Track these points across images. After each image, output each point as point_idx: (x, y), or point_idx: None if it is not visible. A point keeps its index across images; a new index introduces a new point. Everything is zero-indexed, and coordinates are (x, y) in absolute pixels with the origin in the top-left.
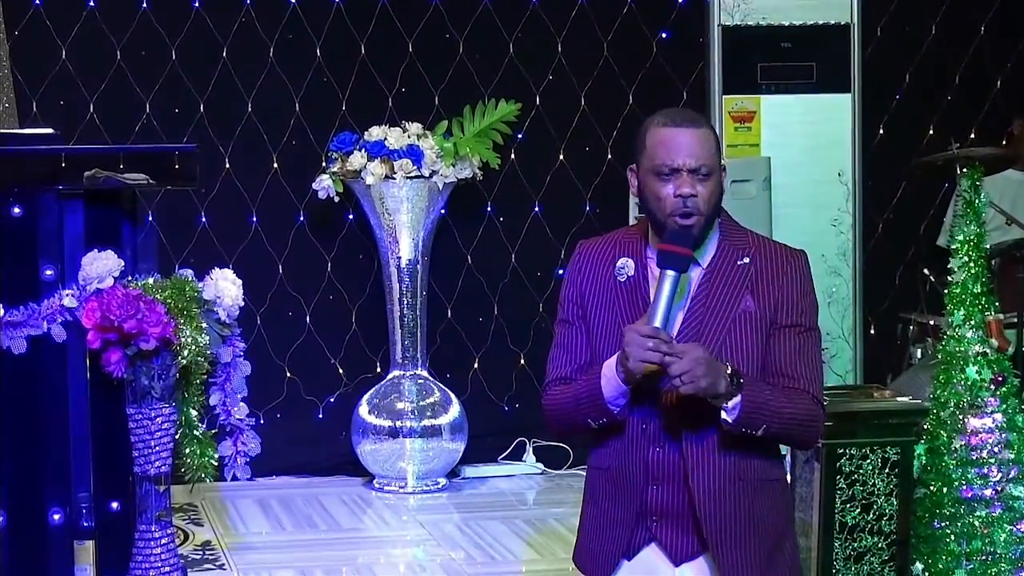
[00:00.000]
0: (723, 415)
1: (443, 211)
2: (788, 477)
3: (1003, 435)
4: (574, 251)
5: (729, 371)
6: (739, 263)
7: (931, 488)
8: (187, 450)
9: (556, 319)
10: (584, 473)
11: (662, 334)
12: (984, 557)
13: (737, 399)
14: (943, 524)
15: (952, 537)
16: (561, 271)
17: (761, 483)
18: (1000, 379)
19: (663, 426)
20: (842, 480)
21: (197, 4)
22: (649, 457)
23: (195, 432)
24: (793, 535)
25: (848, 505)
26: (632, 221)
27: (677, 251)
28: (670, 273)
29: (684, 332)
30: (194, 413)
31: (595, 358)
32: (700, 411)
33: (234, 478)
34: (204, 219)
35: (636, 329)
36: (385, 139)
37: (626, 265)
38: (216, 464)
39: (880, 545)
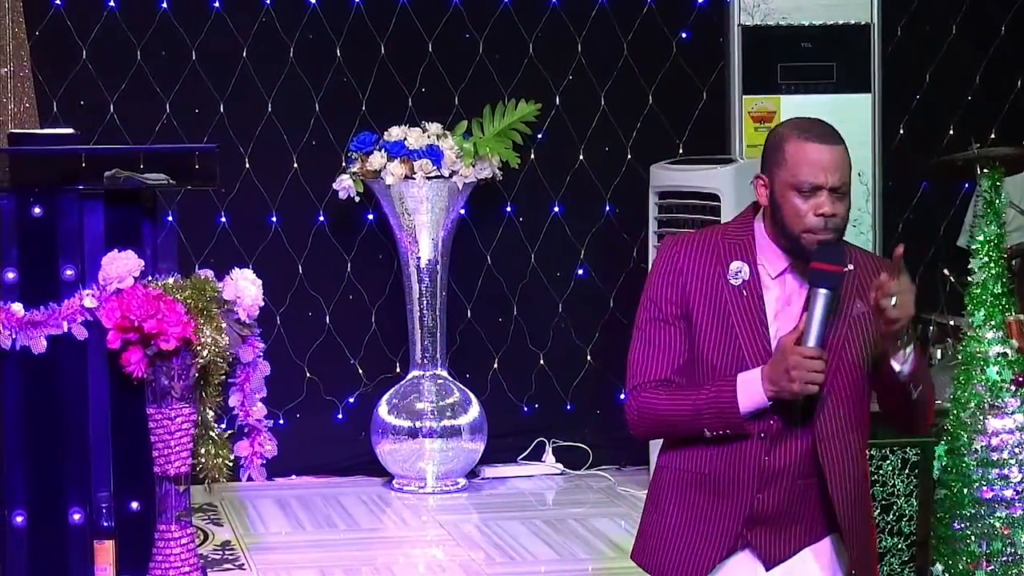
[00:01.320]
0: (896, 365)
1: (463, 211)
2: None
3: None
4: (666, 247)
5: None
6: (845, 270)
7: (951, 489)
8: (202, 450)
9: (646, 316)
10: (651, 473)
11: (824, 354)
12: (1005, 558)
13: (911, 349)
14: (963, 525)
15: (972, 538)
16: (581, 271)
17: (866, 477)
18: (1021, 380)
19: (776, 432)
20: None
21: (217, 4)
22: (761, 464)
23: (211, 432)
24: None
25: None
26: (652, 222)
27: (831, 269)
28: (823, 291)
29: None
30: (211, 413)
31: (696, 360)
32: (827, 416)
33: (249, 479)
34: (224, 219)
35: (801, 351)
36: (405, 139)
37: (741, 269)
38: (231, 465)
39: (900, 546)
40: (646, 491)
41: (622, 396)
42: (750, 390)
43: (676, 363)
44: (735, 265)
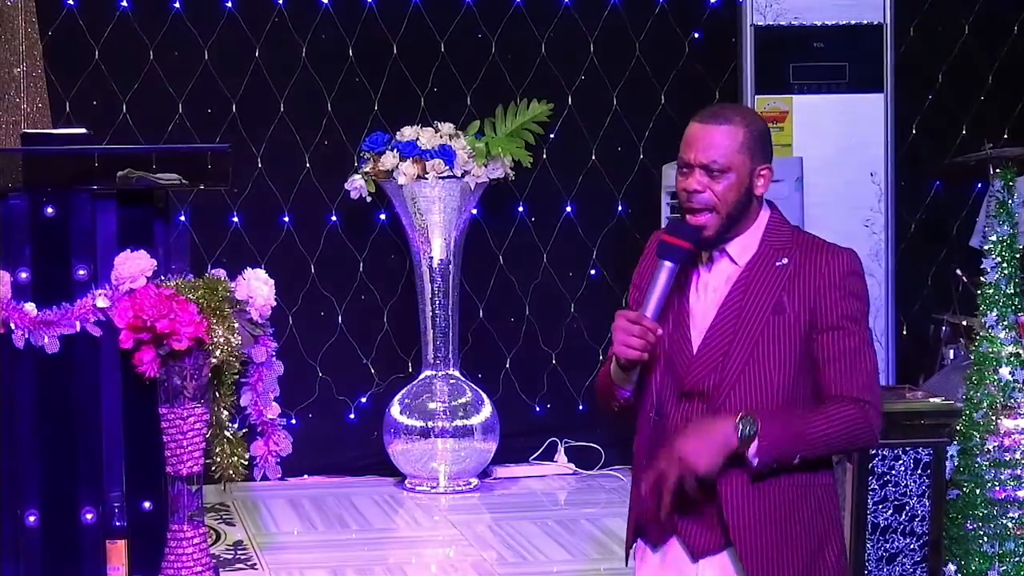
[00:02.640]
0: (750, 458)
1: (475, 211)
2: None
3: None
4: (653, 237)
5: (737, 420)
6: (777, 264)
7: (964, 489)
8: (217, 449)
9: (631, 299)
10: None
11: (646, 320)
12: (1017, 559)
13: (754, 445)
14: (976, 525)
15: (985, 538)
16: (593, 271)
17: (799, 487)
18: None
19: (686, 417)
20: (874, 481)
21: (230, 5)
22: (655, 444)
23: (225, 432)
24: (840, 540)
25: (880, 506)
26: (664, 222)
27: (676, 243)
28: (667, 264)
29: (715, 335)
30: (225, 413)
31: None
32: (723, 409)
33: (264, 478)
34: (236, 219)
35: (624, 314)
36: (417, 139)
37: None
38: (246, 464)
39: (912, 546)
40: None
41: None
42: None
43: None
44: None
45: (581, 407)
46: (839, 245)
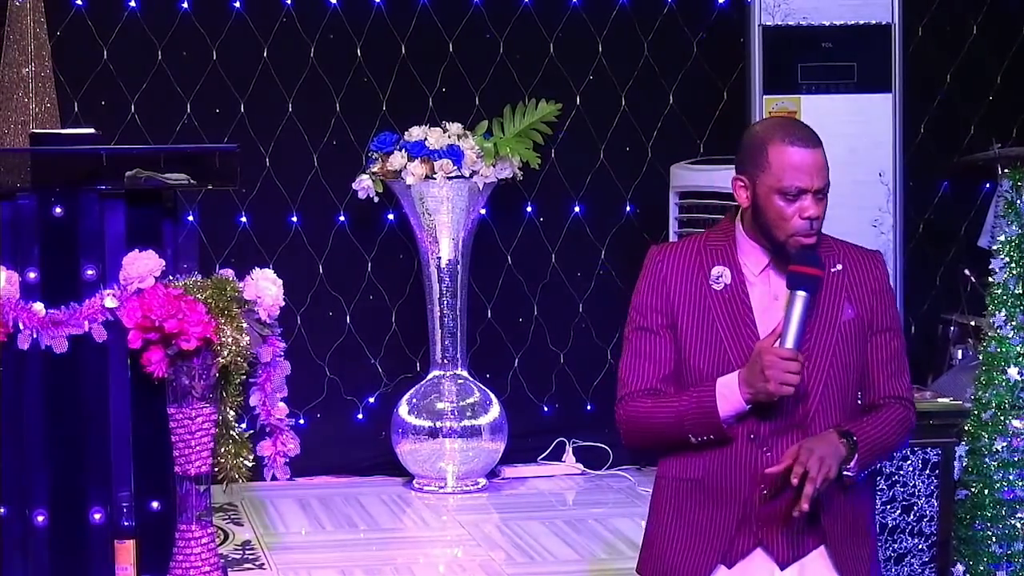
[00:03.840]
0: (846, 474)
1: (483, 211)
2: None
3: None
4: (651, 257)
5: (841, 436)
6: (833, 270)
7: (972, 490)
8: (222, 450)
9: (632, 327)
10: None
11: (800, 356)
12: None
13: (855, 458)
14: (984, 526)
15: (993, 539)
16: (602, 272)
17: (867, 490)
18: None
19: (772, 432)
20: (883, 481)
21: (238, 5)
22: (760, 461)
23: (231, 432)
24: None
25: (889, 506)
26: (672, 223)
27: (809, 272)
28: (801, 294)
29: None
30: (231, 413)
31: (684, 368)
32: (814, 422)
33: (273, 478)
34: (244, 219)
35: (776, 352)
36: (425, 139)
37: (722, 274)
38: (250, 465)
39: (921, 546)
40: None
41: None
42: (728, 394)
43: (663, 372)
44: (716, 270)
45: (589, 407)
46: (864, 247)
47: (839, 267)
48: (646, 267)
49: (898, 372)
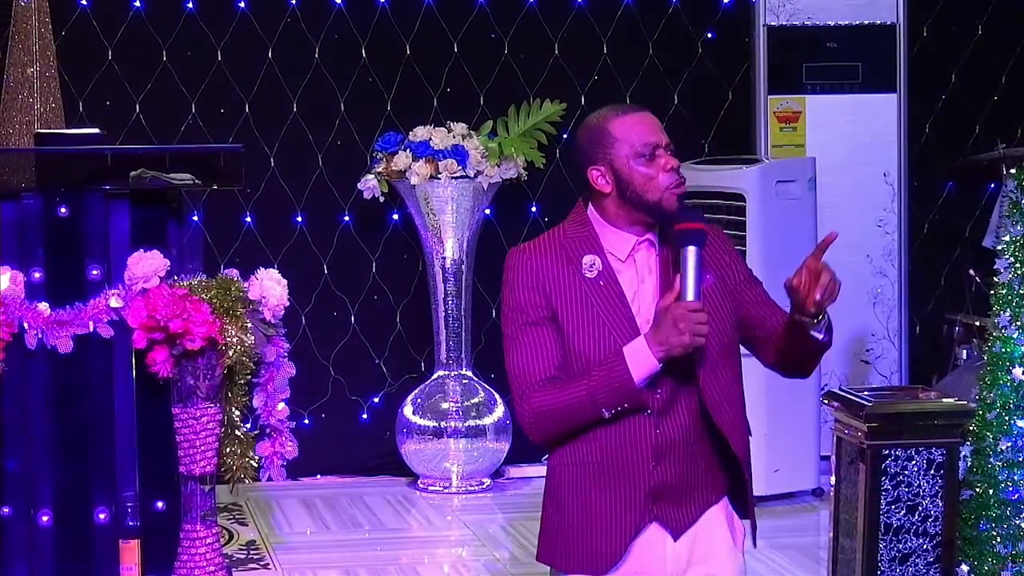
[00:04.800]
0: (816, 335)
1: (488, 211)
2: (832, 478)
3: None
4: (513, 258)
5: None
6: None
7: (977, 490)
8: (227, 449)
9: (515, 326)
10: None
11: (704, 308)
12: None
13: (826, 317)
14: (989, 526)
15: (998, 539)
16: None
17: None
18: None
19: (664, 405)
20: (887, 481)
21: (243, 5)
22: (654, 437)
23: (236, 432)
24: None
25: (893, 506)
26: None
27: (695, 227)
28: (692, 249)
29: None
30: (236, 413)
31: (572, 357)
32: (707, 386)
33: (269, 479)
34: (249, 219)
35: (684, 305)
36: (430, 139)
37: (594, 262)
38: (256, 465)
39: (925, 547)
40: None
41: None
42: (638, 358)
43: (556, 360)
44: (587, 259)
45: None
46: None
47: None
48: (514, 268)
49: (777, 306)
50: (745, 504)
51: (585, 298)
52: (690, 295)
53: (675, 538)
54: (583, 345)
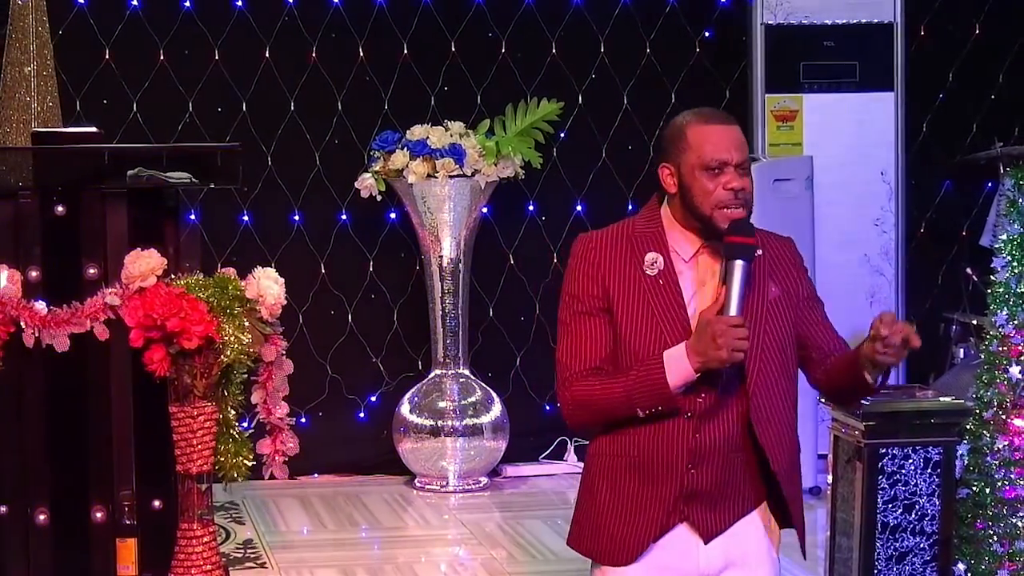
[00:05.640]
0: (870, 379)
1: (485, 210)
2: (829, 477)
3: None
4: (580, 244)
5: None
6: (756, 255)
7: (974, 488)
8: (222, 448)
9: (569, 312)
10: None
11: (745, 323)
12: None
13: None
14: (986, 525)
15: (995, 538)
16: None
17: (799, 449)
18: None
19: (706, 411)
20: (884, 480)
21: (240, 4)
22: (691, 441)
23: (232, 431)
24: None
25: (890, 505)
26: None
27: (744, 242)
28: (739, 263)
29: None
30: (232, 412)
31: (622, 351)
32: (756, 397)
33: (271, 477)
34: (247, 218)
35: (724, 320)
36: (427, 138)
37: (656, 260)
38: (250, 464)
39: (922, 545)
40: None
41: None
42: (676, 365)
43: (603, 352)
44: (650, 256)
45: None
46: (778, 234)
47: (760, 252)
48: (578, 255)
49: (835, 330)
50: (788, 513)
51: (643, 295)
52: (733, 309)
53: (706, 541)
54: (634, 341)
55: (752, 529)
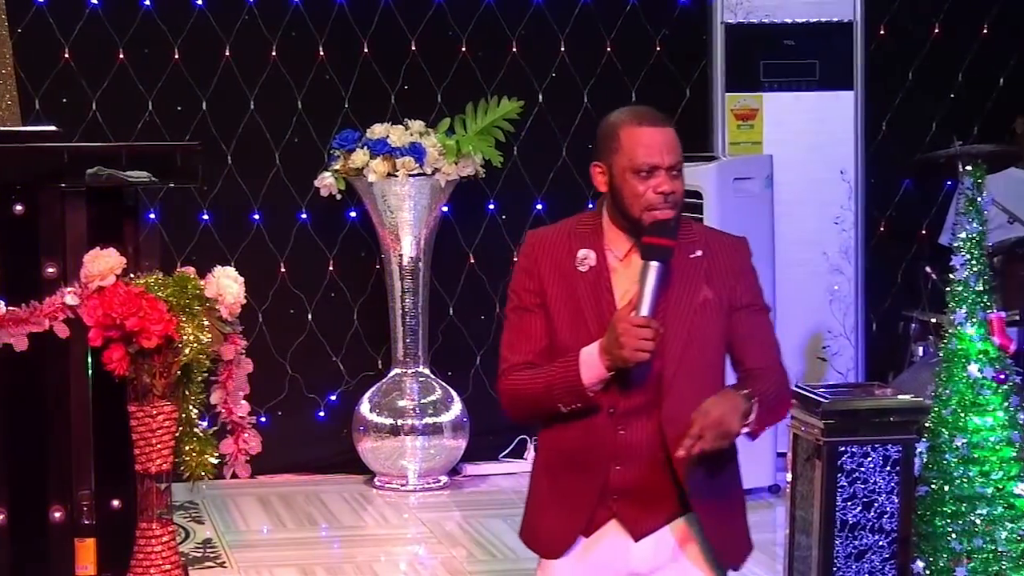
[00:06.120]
0: (746, 430)
1: (445, 209)
2: (788, 475)
3: (1004, 433)
4: (525, 240)
5: (740, 393)
6: (691, 256)
7: (932, 486)
8: (186, 448)
9: (509, 306)
10: None
11: (654, 323)
12: (985, 555)
13: (753, 411)
14: (944, 522)
15: (953, 535)
16: None
17: (729, 454)
18: (1002, 377)
19: (629, 409)
20: (843, 478)
21: (200, 2)
22: (615, 438)
23: (195, 430)
24: (746, 512)
25: (849, 503)
26: None
27: (661, 243)
28: (654, 264)
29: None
30: (194, 411)
31: (554, 345)
32: (669, 398)
33: (234, 476)
34: (206, 217)
35: (630, 320)
36: (387, 137)
37: (587, 256)
38: (215, 463)
39: (881, 543)
40: None
41: None
42: (590, 363)
43: (538, 346)
44: (582, 253)
45: None
46: (732, 234)
47: (699, 253)
48: (522, 251)
49: (766, 344)
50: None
51: (574, 291)
52: (643, 310)
53: (635, 539)
54: (566, 336)
55: (681, 534)
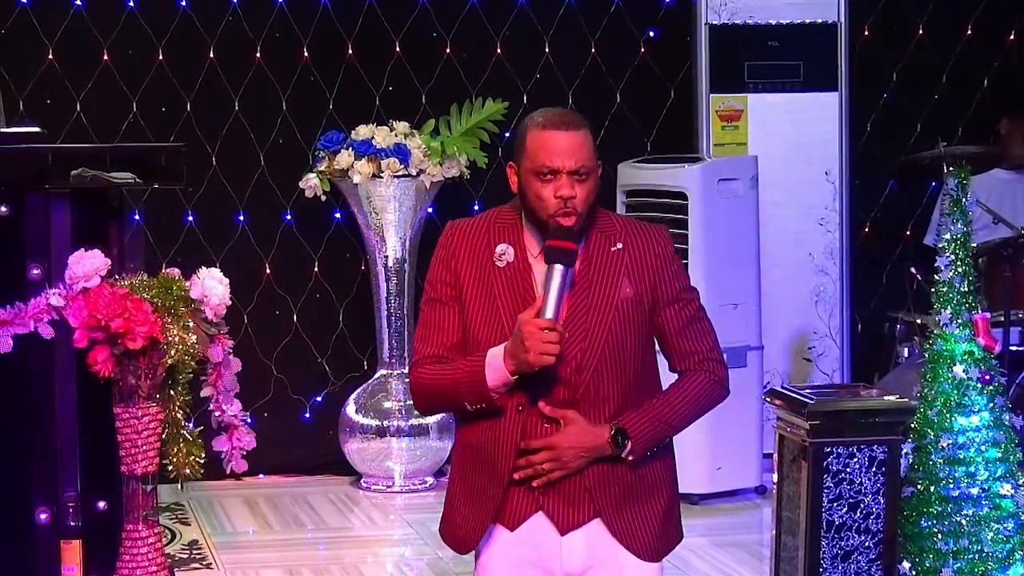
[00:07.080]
0: (629, 458)
1: (430, 210)
2: (774, 476)
3: (990, 434)
4: (445, 232)
5: (612, 433)
6: (612, 250)
7: (918, 487)
8: (174, 449)
9: (424, 298)
10: None
11: (559, 326)
12: (971, 556)
13: (627, 449)
14: (930, 523)
15: (939, 536)
16: None
17: (651, 454)
18: (987, 378)
19: (534, 407)
20: (829, 479)
21: (184, 4)
22: (519, 435)
23: (182, 431)
24: (679, 503)
25: (835, 504)
26: None
27: (563, 246)
28: (559, 267)
29: (570, 322)
30: (180, 412)
31: (468, 339)
32: (585, 398)
33: (232, 473)
34: (191, 218)
35: (535, 323)
36: (372, 138)
37: (506, 251)
38: (202, 463)
39: (867, 544)
40: None
41: None
42: (496, 365)
43: (451, 340)
44: (500, 248)
45: None
46: (650, 223)
47: (619, 246)
48: (440, 242)
49: (696, 336)
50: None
51: (490, 286)
52: (548, 313)
53: (562, 533)
54: (479, 331)
55: (606, 529)
